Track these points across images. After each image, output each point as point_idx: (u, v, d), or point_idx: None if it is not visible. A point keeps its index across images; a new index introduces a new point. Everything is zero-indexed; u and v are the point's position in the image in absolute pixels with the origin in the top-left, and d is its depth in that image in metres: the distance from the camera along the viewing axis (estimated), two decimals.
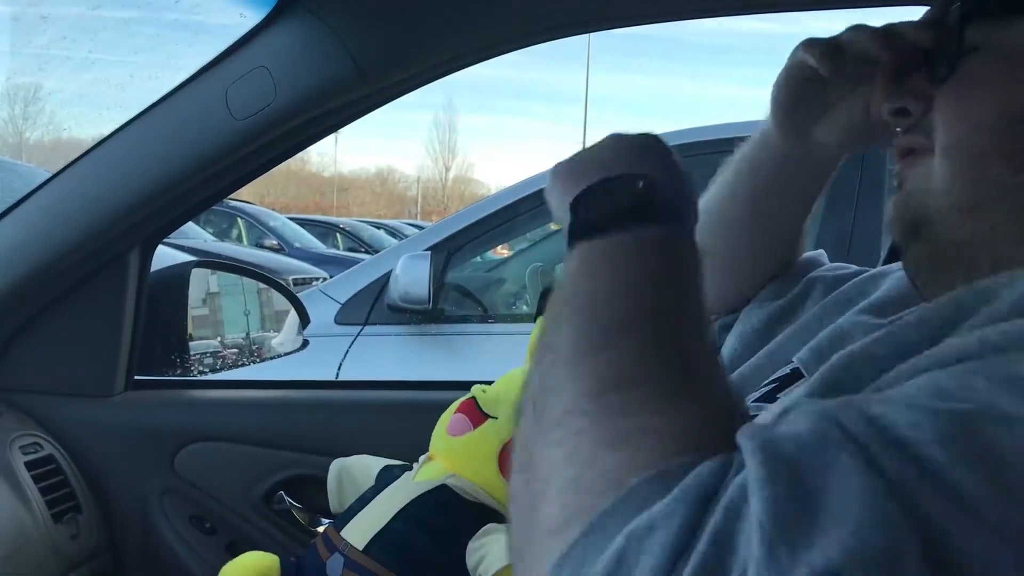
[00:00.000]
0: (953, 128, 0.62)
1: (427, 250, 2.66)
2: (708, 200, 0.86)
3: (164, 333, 1.38)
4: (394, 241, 13.36)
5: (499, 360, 2.60)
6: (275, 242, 10.78)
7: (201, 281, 1.59)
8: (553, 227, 3.61)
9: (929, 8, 0.68)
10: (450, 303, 2.84)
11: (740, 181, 0.84)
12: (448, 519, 1.01)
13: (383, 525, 1.01)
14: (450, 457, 1.06)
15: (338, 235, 13.57)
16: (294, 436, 1.33)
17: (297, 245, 10.91)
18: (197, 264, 1.44)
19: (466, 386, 1.39)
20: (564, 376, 0.45)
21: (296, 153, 1.28)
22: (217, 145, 1.13)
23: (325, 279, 8.25)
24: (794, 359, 0.70)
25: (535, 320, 3.12)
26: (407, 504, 1.02)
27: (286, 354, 1.65)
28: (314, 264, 9.60)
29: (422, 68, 1.13)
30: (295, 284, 8.28)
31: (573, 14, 1.11)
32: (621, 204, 0.53)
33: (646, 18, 1.17)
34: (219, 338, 1.65)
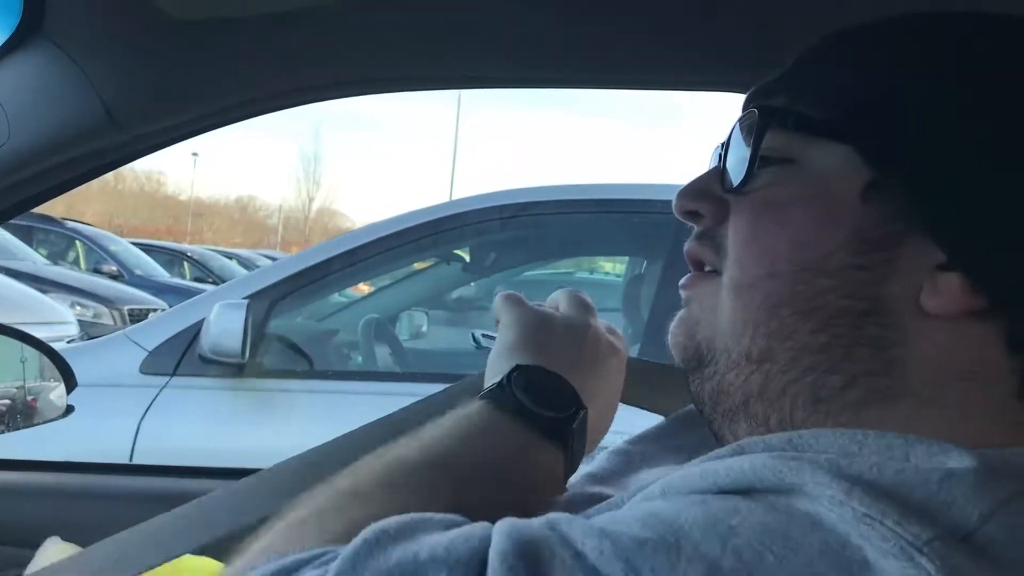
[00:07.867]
0: (743, 264, 0.53)
1: (246, 298, 2.49)
2: None
3: None
4: (246, 272, 12.95)
5: (316, 419, 2.46)
6: (114, 268, 10.29)
7: None
8: (401, 274, 3.46)
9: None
10: (272, 355, 2.67)
11: None
12: None
13: None
14: None
15: (185, 264, 13.02)
16: None
17: (138, 272, 10.44)
18: None
19: (197, 472, 1.24)
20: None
21: (48, 199, 1.11)
22: None
23: (163, 310, 7.84)
24: None
25: (366, 379, 2.91)
26: None
27: (44, 422, 1.45)
28: (154, 293, 9.17)
29: (189, 118, 0.99)
30: (131, 315, 7.86)
31: (367, 72, 1.01)
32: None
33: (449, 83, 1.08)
34: None
